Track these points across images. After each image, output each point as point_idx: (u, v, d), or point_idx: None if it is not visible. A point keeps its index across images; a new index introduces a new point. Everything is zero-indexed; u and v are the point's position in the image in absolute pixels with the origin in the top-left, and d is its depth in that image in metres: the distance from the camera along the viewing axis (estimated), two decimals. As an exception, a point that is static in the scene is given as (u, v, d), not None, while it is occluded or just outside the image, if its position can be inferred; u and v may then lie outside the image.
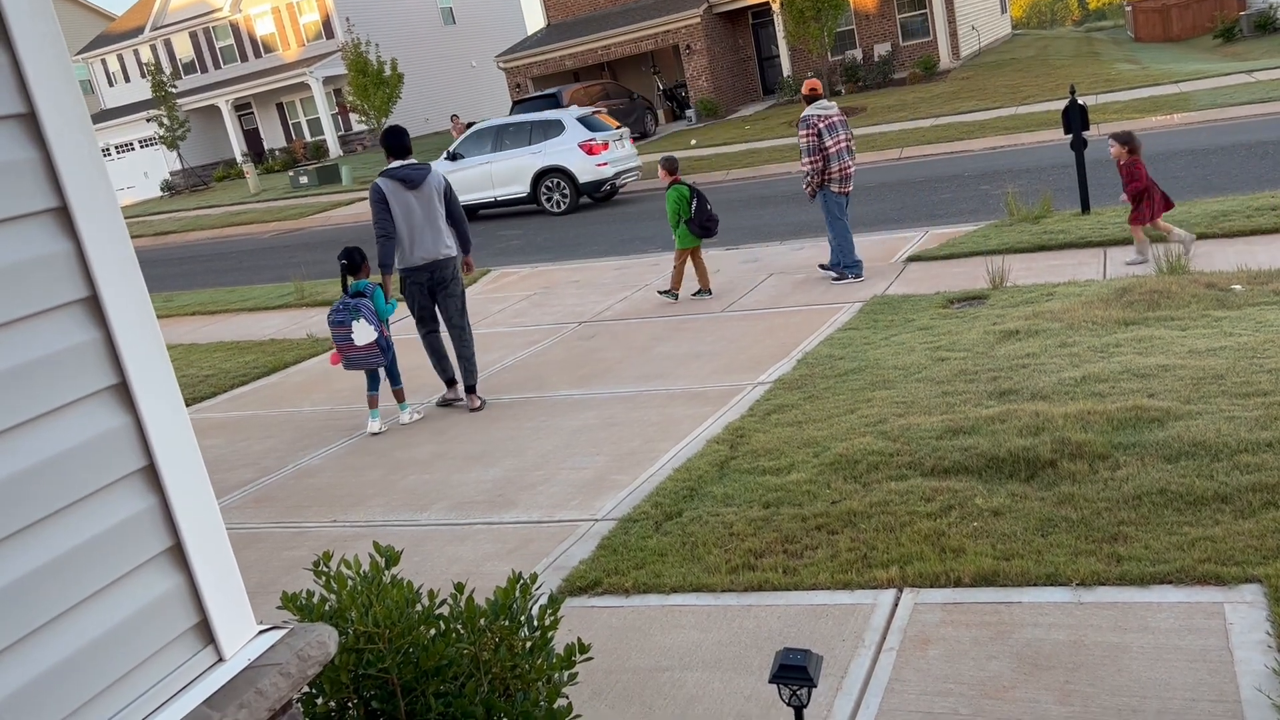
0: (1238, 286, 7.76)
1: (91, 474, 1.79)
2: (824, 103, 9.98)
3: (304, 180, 33.52)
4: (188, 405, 9.71)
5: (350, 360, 7.56)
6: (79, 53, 48.75)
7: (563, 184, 18.95)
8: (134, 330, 1.88)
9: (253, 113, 44.76)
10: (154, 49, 45.58)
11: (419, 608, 2.66)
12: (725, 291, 10.54)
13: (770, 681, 2.70)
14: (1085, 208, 11.47)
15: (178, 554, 1.92)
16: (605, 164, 18.76)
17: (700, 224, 10.18)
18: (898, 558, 4.05)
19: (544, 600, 2.89)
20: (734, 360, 8.02)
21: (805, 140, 9.84)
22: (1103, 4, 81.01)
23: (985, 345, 7.11)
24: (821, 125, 9.80)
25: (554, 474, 6.07)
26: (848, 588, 3.93)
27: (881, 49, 31.47)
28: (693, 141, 26.38)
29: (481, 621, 2.66)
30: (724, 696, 3.42)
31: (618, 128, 19.94)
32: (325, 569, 2.68)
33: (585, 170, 18.73)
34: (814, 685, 2.66)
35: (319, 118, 42.37)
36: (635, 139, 30.13)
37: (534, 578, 2.88)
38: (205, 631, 1.92)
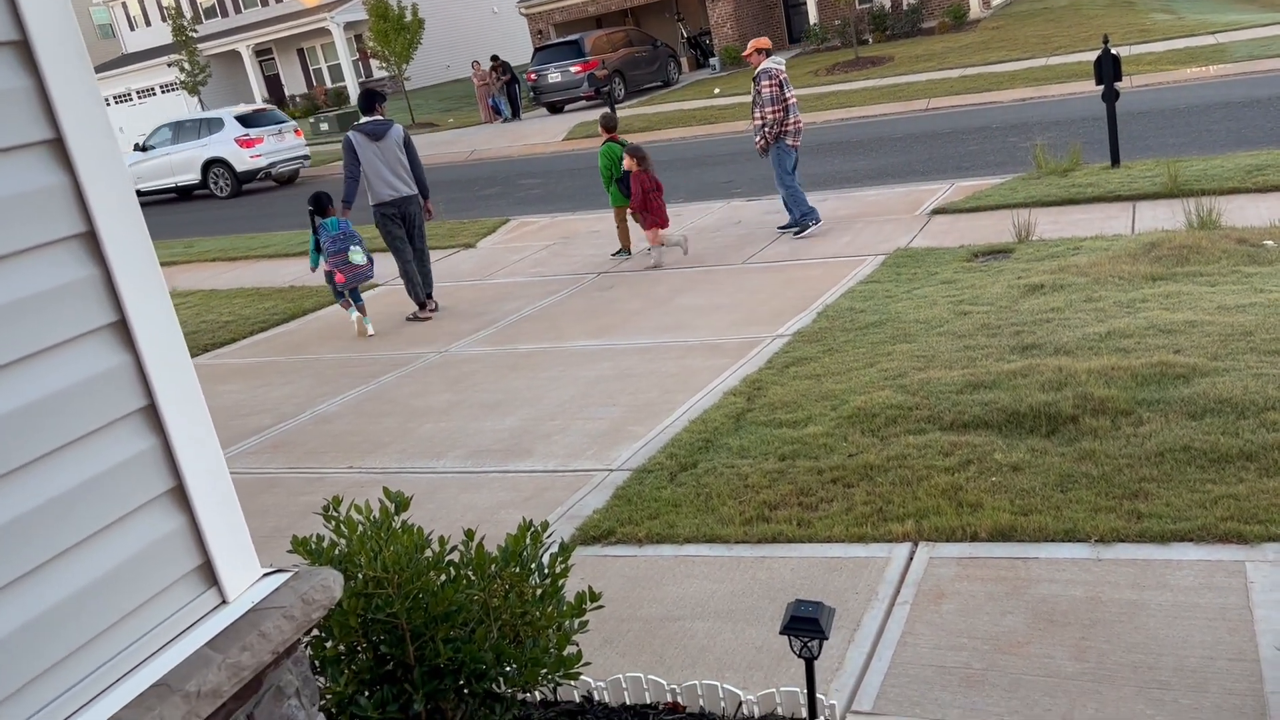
0: (1270, 243, 7.59)
1: (91, 412, 1.76)
2: (777, 58, 10.23)
3: (325, 127, 33.39)
4: (208, 351, 9.75)
5: (352, 278, 9.11)
6: (100, -4, 48.53)
7: (224, 172, 22.66)
8: (133, 268, 1.84)
9: (274, 58, 44.50)
10: (175, -8, 45.28)
11: (429, 554, 2.64)
12: (746, 243, 10.42)
13: (781, 633, 2.67)
14: (1115, 161, 11.23)
15: (180, 495, 1.89)
16: (259, 155, 22.42)
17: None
18: (914, 511, 4.01)
19: (555, 548, 2.87)
20: (754, 312, 7.95)
21: (769, 90, 9.97)
22: (1140, -48, 79.00)
23: (1009, 299, 7.00)
24: (782, 76, 10.02)
25: (570, 424, 6.05)
26: (862, 541, 3.90)
27: (910, -3, 30.83)
28: (716, 90, 26.02)
29: (492, 568, 2.64)
30: (735, 646, 3.41)
31: (279, 125, 23.31)
32: (335, 514, 2.66)
33: (241, 161, 22.37)
34: (825, 638, 2.64)
35: (340, 64, 42.09)
36: (658, 87, 29.83)
37: (545, 525, 2.86)
38: (208, 573, 1.91)
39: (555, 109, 28.71)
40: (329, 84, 43.25)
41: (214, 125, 22.93)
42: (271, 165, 22.73)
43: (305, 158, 23.82)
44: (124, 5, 47.45)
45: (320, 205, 9.18)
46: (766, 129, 10.07)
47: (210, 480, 2.01)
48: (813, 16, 30.97)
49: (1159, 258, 7.45)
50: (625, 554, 4.18)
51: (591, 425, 5.95)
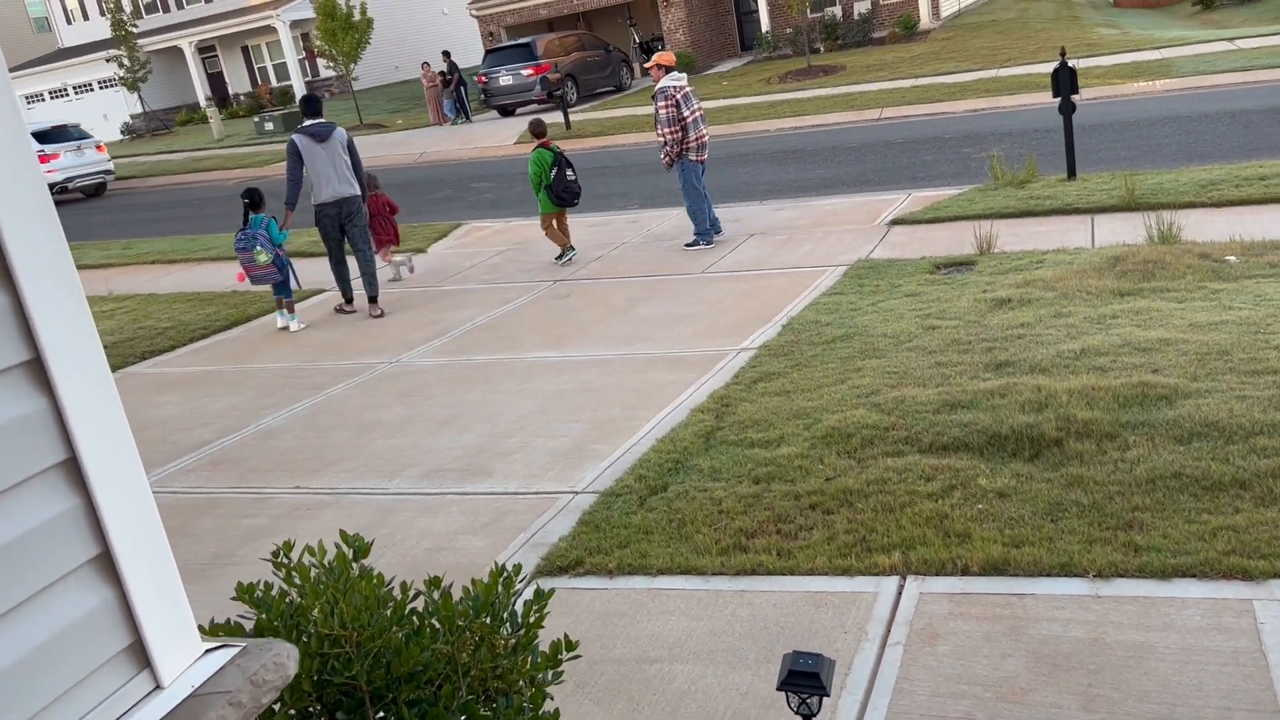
0: (1232, 258, 7.57)
1: (-1, 467, 1.48)
2: (677, 74, 10.20)
3: (269, 126, 32.60)
4: (145, 359, 9.31)
5: (254, 278, 9.39)
6: (35, -12, 47.06)
7: None
8: (52, 295, 1.57)
9: (217, 56, 43.46)
10: (114, -14, 44.06)
11: (390, 604, 2.38)
12: (704, 252, 10.24)
13: (779, 688, 2.45)
14: (1072, 173, 11.24)
15: (106, 564, 1.61)
16: (54, 170, 23.66)
17: (558, 193, 10.28)
18: (899, 541, 3.82)
19: (529, 594, 2.62)
20: (716, 324, 7.75)
21: (665, 111, 10.00)
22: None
23: (977, 314, 6.88)
24: (679, 96, 10.00)
25: (530, 441, 5.79)
26: (847, 573, 3.70)
27: (861, 7, 30.98)
28: (669, 96, 25.84)
29: (460, 620, 2.39)
30: (717, 693, 3.19)
31: (79, 141, 24.81)
32: (285, 560, 2.39)
33: None
34: (826, 694, 2.42)
35: (286, 62, 41.19)
36: (611, 91, 29.58)
37: (518, 569, 2.61)
38: (140, 654, 1.63)
39: (506, 112, 28.36)
40: (274, 83, 42.32)
41: None
42: (69, 180, 24.16)
43: (109, 172, 25.47)
44: (60, -2, 46.09)
45: (254, 201, 9.34)
46: (668, 147, 10.17)
47: (143, 544, 1.73)
48: (765, 24, 30.96)
49: (1124, 272, 7.39)
50: (595, 586, 3.93)
51: (553, 443, 5.69)
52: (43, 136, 23.83)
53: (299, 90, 40.87)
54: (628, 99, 27.99)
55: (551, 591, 2.51)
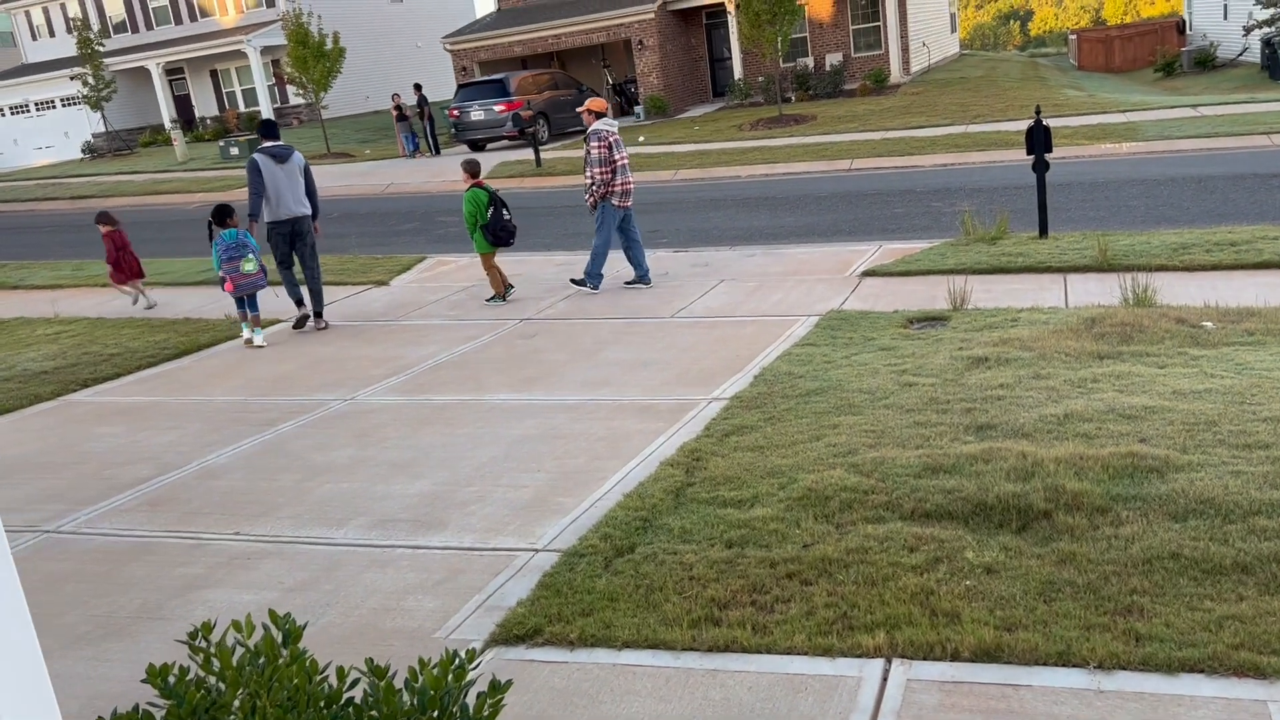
0: (1209, 324, 7.48)
1: None
2: (610, 120, 10.43)
3: (234, 151, 32.16)
4: (87, 386, 8.89)
5: (240, 287, 9.66)
6: (0, 3, 46.37)
7: None
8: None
9: (185, 78, 42.99)
10: (82, 4, 43.53)
11: (323, 698, 2.07)
12: (674, 296, 10.03)
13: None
14: (1044, 231, 11.20)
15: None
16: None
17: (493, 231, 10.35)
18: (883, 620, 3.56)
19: (483, 670, 2.32)
20: (686, 371, 7.51)
21: (597, 151, 10.15)
22: (1043, 32, 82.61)
23: (954, 372, 6.70)
24: (611, 139, 10.20)
25: (489, 491, 5.48)
26: (828, 654, 3.43)
27: (833, 59, 31.31)
28: (641, 139, 25.85)
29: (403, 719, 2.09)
30: (687, 787, 2.90)
31: None
32: (204, 644, 2.08)
33: None
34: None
35: (255, 88, 40.81)
36: (581, 131, 29.51)
37: (471, 655, 2.31)
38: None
39: (477, 146, 28.21)
40: (242, 107, 41.91)
41: None
42: None
43: None
44: (27, 13, 45.36)
45: (220, 217, 9.82)
46: (595, 188, 10.26)
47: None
48: (737, 72, 31.17)
49: (1102, 334, 7.27)
50: (555, 659, 3.63)
51: (514, 494, 5.39)
52: None
53: (267, 116, 40.49)
54: (599, 139, 27.92)
55: (509, 684, 2.22)
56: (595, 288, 10.47)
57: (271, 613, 2.18)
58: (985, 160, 18.60)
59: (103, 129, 39.64)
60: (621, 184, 10.31)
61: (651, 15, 30.64)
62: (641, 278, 10.57)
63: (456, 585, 4.38)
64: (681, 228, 14.53)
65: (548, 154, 24.67)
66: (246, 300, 9.79)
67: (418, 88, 29.30)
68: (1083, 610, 3.49)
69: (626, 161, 10.38)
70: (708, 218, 15.33)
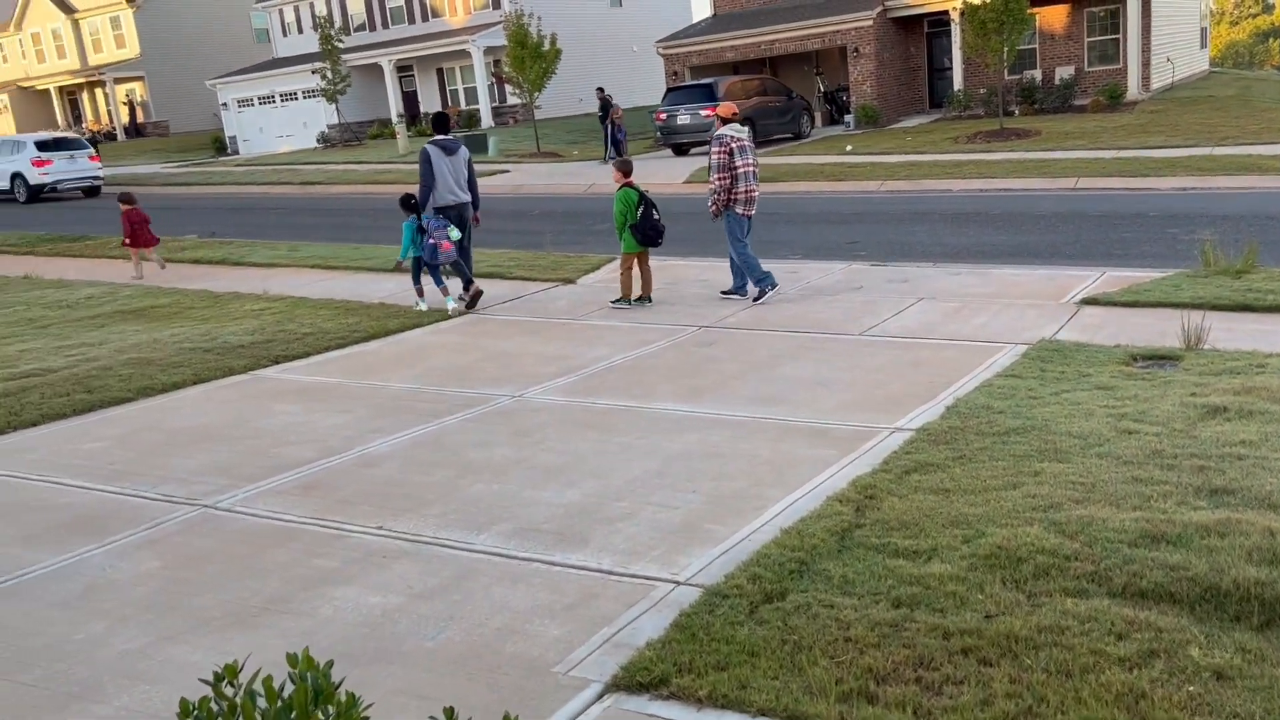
0: None
1: None
2: (737, 126, 10.25)
3: (451, 146, 33.32)
4: (277, 363, 9.12)
5: (448, 254, 10.52)
6: (259, 1, 50.18)
7: (21, 184, 28.88)
8: None
9: (413, 75, 45.14)
10: (328, 3, 46.47)
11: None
12: (866, 312, 9.35)
13: None
14: (1303, 267, 9.81)
15: None
16: (47, 175, 28.71)
17: (643, 231, 10.22)
18: (1079, 724, 2.92)
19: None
20: (869, 395, 6.88)
21: (717, 157, 10.02)
22: (1310, 49, 75.19)
23: (1184, 421, 5.79)
24: (734, 145, 10.00)
25: (638, 508, 5.09)
26: (1004, 759, 2.82)
27: (1064, 72, 29.33)
28: (848, 147, 25.00)
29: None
30: None
31: (74, 151, 29.54)
32: (229, 692, 1.74)
33: (32, 174, 28.71)
34: None
35: (476, 86, 42.37)
36: (789, 138, 28.90)
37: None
38: None
39: (680, 150, 28.08)
40: (463, 105, 43.59)
41: (20, 146, 29.55)
42: (58, 182, 28.85)
43: (98, 178, 29.69)
44: (280, 11, 48.87)
45: (410, 204, 10.73)
46: (716, 194, 10.11)
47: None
48: (957, 82, 29.72)
49: (1375, 391, 6.14)
50: (678, 718, 3.17)
51: (663, 515, 4.97)
52: (43, 145, 29.14)
53: (485, 114, 41.93)
54: (805, 146, 27.24)
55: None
56: (772, 287, 10.17)
57: (306, 657, 1.83)
58: (1233, 186, 16.78)
59: (336, 120, 42.14)
60: (745, 191, 10.08)
61: (870, 22, 29.65)
62: (739, 289, 10.38)
63: (587, 613, 4.00)
64: (882, 240, 13.75)
65: (750, 160, 24.18)
66: (444, 269, 10.74)
67: (600, 91, 29.43)
68: (1349, 748, 2.74)
69: (752, 168, 10.13)
70: (911, 231, 14.46)
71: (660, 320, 9.69)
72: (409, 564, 4.66)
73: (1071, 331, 8.32)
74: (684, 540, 4.62)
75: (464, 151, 10.91)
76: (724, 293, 10.46)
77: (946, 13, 29.34)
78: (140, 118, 57.18)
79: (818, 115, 31.94)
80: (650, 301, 10.42)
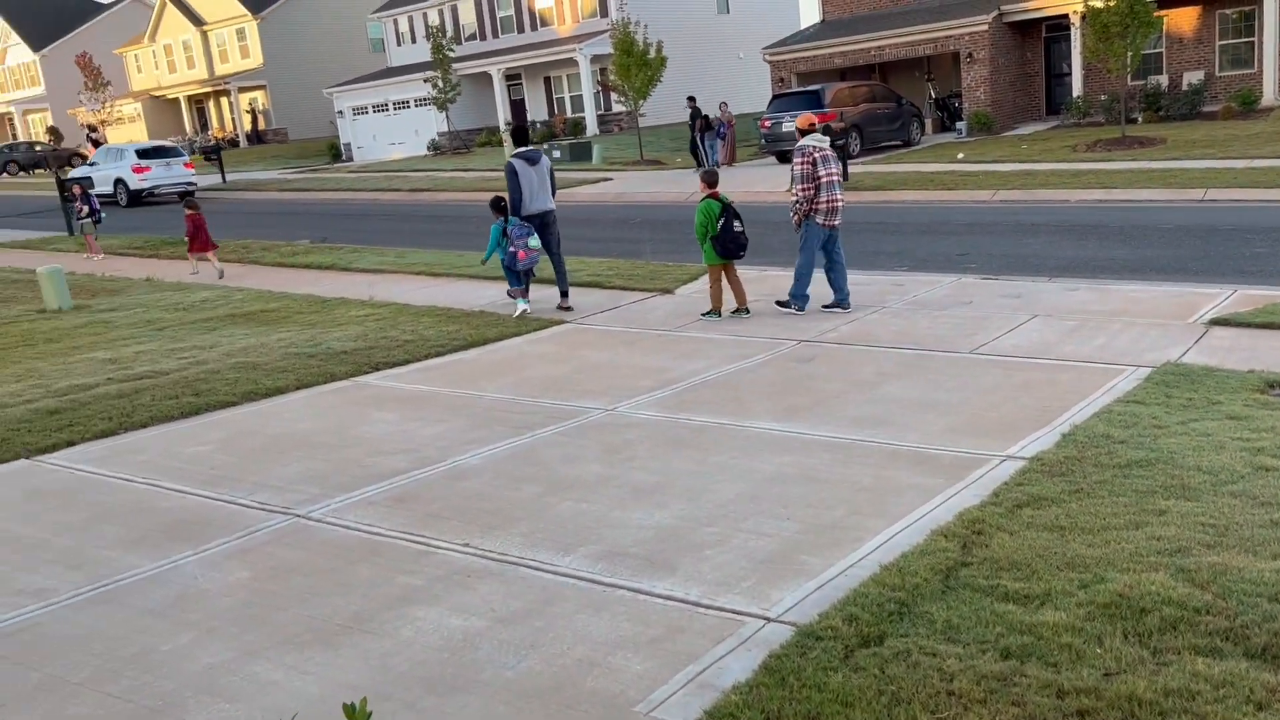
0: None
1: None
2: (819, 135, 10.17)
3: (556, 155, 33.68)
4: (378, 370, 9.20)
5: (529, 260, 11.04)
6: (374, 12, 51.57)
7: (123, 189, 31.13)
8: None
9: (521, 84, 45.75)
10: (441, 14, 47.46)
11: None
12: (976, 329, 8.95)
13: None
14: None
15: None
16: (145, 180, 31.01)
17: (723, 243, 10.15)
18: (1212, 807, 2.62)
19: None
20: (979, 419, 6.54)
21: (800, 168, 9.97)
22: None
23: (1329, 457, 5.31)
24: (817, 155, 9.93)
25: (729, 535, 4.89)
26: (1126, 844, 2.54)
27: (1192, 77, 27.95)
28: (960, 155, 24.27)
29: None
30: None
31: (170, 159, 32.01)
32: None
33: (132, 180, 30.96)
34: None
35: (582, 94, 42.70)
36: (897, 146, 28.24)
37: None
38: None
39: (785, 158, 27.67)
40: (569, 113, 43.99)
41: (124, 154, 32.12)
42: (155, 187, 31.08)
43: (191, 183, 31.68)
44: (395, 21, 50.14)
45: (500, 207, 11.19)
46: (797, 204, 10.07)
47: None
48: (1077, 88, 28.62)
49: None
50: (764, 772, 2.98)
51: (755, 543, 4.76)
52: (143, 153, 31.72)
53: (591, 122, 42.23)
54: (914, 154, 26.58)
55: None
56: (801, 309, 10.14)
57: (363, 712, 1.71)
58: (1382, 198, 15.66)
59: (446, 128, 42.98)
60: (827, 201, 9.95)
61: (985, 27, 28.79)
62: (840, 302, 10.17)
63: (672, 648, 3.82)
64: (994, 253, 13.23)
65: (857, 168, 23.71)
66: (525, 275, 11.17)
67: (691, 100, 29.17)
68: None
69: (835, 178, 10.02)
70: (1025, 244, 13.88)
71: (758, 333, 9.46)
72: (493, 585, 4.56)
73: (1199, 354, 7.79)
74: (776, 572, 4.40)
75: (545, 160, 11.45)
76: (825, 306, 10.19)
77: (1066, 16, 28.28)
78: (261, 125, 59.43)
79: (928, 122, 31.17)
80: (748, 313, 10.24)
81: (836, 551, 4.57)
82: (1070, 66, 29.19)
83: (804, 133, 10.19)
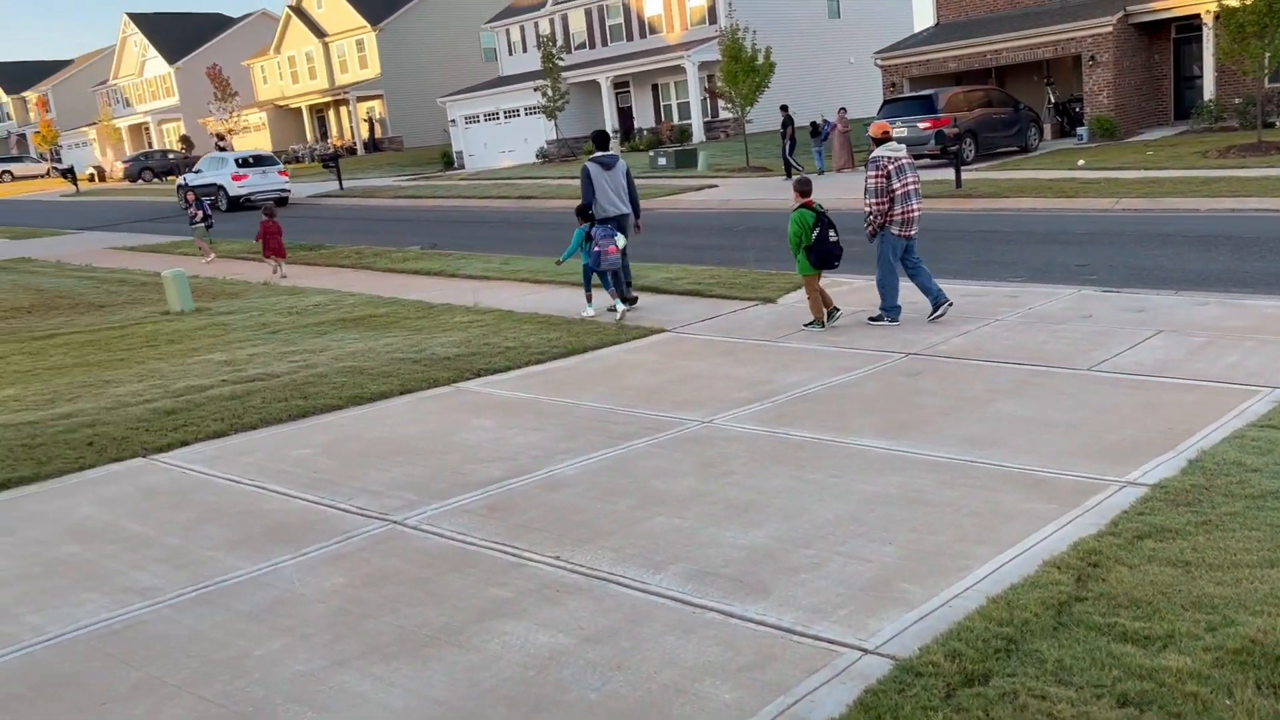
0: None
1: None
2: (894, 144, 9.92)
3: (662, 161, 33.70)
4: (480, 376, 9.26)
5: (611, 260, 11.20)
6: (488, 22, 52.56)
7: (223, 194, 33.49)
8: None
9: (629, 91, 45.98)
10: (552, 23, 48.09)
11: None
12: (1095, 344, 8.52)
13: None
14: None
15: None
16: (243, 187, 33.51)
17: (817, 253, 9.95)
18: None
19: None
20: (1097, 440, 6.19)
21: (874, 181, 9.71)
22: None
23: None
24: (891, 167, 9.68)
25: (826, 558, 4.71)
26: None
27: (1338, 77, 26.31)
28: (1080, 162, 23.35)
29: None
30: None
31: (266, 167, 34.78)
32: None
33: (231, 187, 33.62)
34: None
35: (689, 102, 42.68)
36: (1014, 152, 27.34)
37: None
38: None
39: (895, 165, 27.10)
40: (676, 120, 44.02)
41: (225, 163, 34.76)
42: (252, 194, 33.20)
43: (285, 190, 34.31)
44: (506, 30, 51.03)
45: (584, 213, 11.53)
46: (871, 217, 9.84)
47: None
48: (1208, 92, 27.27)
49: None
50: (854, 820, 2.81)
51: (853, 567, 4.57)
52: (242, 162, 34.44)
53: (697, 129, 42.17)
54: (1031, 160, 25.71)
55: None
56: (894, 319, 9.95)
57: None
58: None
59: (554, 136, 43.48)
60: (903, 212, 9.72)
61: (1109, 29, 27.69)
62: (937, 301, 9.93)
63: (762, 677, 3.67)
64: (1116, 265, 12.62)
65: (970, 175, 23.05)
66: (610, 277, 11.36)
67: (784, 108, 28.71)
68: None
69: (913, 187, 9.77)
70: (1150, 255, 13.21)
71: (863, 345, 9.20)
72: (582, 601, 4.49)
73: (1344, 376, 7.25)
74: (875, 600, 4.21)
75: (622, 165, 11.75)
76: (931, 317, 9.87)
77: (1197, 16, 26.99)
78: (378, 133, 61.23)
79: (1047, 127, 30.13)
80: (839, 311, 10.22)
81: (940, 580, 4.35)
82: (1201, 69, 27.84)
83: (878, 142, 9.91)
